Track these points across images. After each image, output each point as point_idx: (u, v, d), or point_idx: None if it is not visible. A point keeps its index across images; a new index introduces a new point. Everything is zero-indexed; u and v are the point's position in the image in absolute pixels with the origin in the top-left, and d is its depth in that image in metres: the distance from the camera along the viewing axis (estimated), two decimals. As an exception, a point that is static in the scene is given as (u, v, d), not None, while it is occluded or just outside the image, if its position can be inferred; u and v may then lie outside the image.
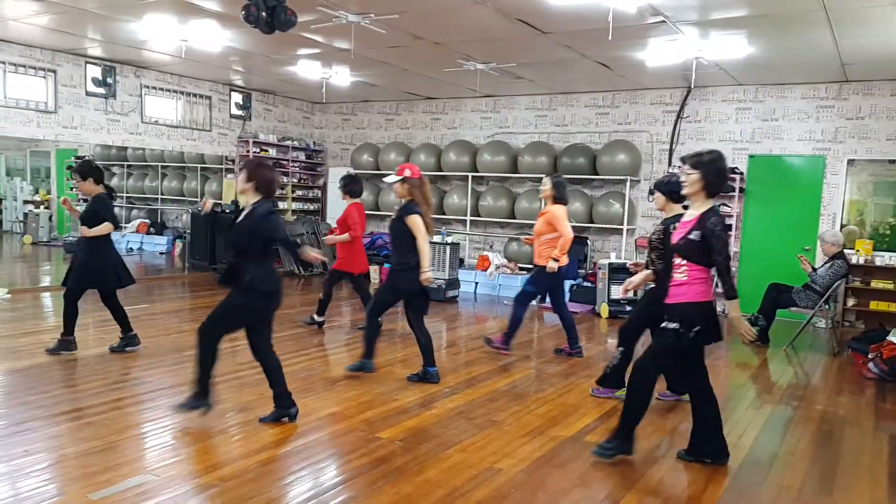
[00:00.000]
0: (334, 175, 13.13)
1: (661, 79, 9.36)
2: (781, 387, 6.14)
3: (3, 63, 8.83)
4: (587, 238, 10.44)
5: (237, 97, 11.96)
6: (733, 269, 9.51)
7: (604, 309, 9.08)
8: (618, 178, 10.04)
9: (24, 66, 9.08)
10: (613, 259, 9.44)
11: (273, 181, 4.38)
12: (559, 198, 6.43)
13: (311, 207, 13.36)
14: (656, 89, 10.09)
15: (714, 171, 3.83)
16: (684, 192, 3.97)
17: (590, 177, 10.33)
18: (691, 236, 3.80)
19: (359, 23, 6.89)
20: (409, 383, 5.49)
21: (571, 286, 9.79)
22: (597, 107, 10.62)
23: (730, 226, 9.18)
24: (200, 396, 4.35)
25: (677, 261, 3.88)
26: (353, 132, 13.15)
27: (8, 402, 4.67)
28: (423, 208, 5.39)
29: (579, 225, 10.21)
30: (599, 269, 9.25)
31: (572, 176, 10.33)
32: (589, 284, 9.74)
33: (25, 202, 14.32)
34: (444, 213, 11.52)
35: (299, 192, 13.13)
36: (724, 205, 9.48)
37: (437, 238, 10.26)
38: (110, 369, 5.52)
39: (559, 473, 3.87)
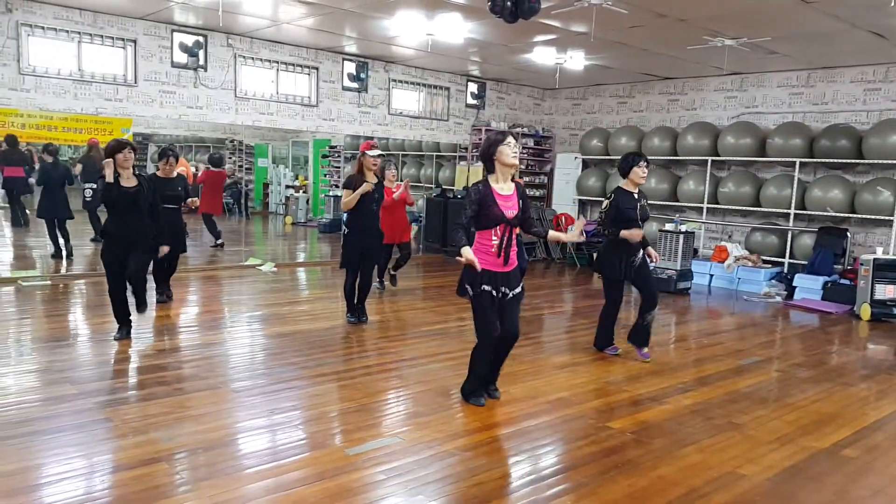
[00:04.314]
0: (562, 161, 13.08)
1: (952, 46, 7.98)
2: None
3: (277, 63, 10.06)
4: (847, 230, 9.27)
5: (473, 87, 12.39)
6: None
7: (865, 310, 8.02)
8: (889, 162, 8.76)
9: (293, 65, 10.26)
10: (880, 254, 8.28)
11: None
12: None
13: (538, 193, 13.46)
14: (945, 59, 8.64)
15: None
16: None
17: (853, 161, 9.14)
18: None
19: (600, 5, 6.74)
20: (639, 374, 5.33)
21: (826, 283, 8.80)
22: (866, 82, 9.34)
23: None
24: None
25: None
26: (583, 117, 12.98)
27: (277, 361, 5.34)
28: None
29: (837, 215, 9.12)
30: (862, 265, 8.19)
31: (831, 160, 9.24)
32: (846, 282, 8.67)
33: (287, 187, 16.24)
34: (677, 200, 10.94)
35: (526, 179, 13.28)
36: None
37: (668, 226, 9.80)
38: (361, 339, 6.08)
39: (812, 486, 3.51)
